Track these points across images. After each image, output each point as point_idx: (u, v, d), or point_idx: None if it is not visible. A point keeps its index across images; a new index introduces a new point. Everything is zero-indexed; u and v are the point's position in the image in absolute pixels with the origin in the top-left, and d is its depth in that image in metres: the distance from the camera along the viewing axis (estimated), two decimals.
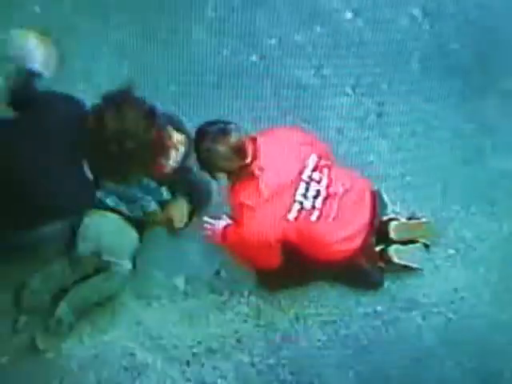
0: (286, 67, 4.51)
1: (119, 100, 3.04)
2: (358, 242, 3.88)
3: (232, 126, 3.66)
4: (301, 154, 3.81)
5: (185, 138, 3.66)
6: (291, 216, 3.73)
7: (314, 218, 3.77)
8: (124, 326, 4.05)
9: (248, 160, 3.67)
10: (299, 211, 3.75)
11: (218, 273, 4.17)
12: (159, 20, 4.42)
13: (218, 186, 4.00)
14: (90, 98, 3.18)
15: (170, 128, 3.51)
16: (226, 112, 4.29)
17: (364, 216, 3.90)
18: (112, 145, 2.99)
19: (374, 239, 4.07)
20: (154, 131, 3.04)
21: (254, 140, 3.72)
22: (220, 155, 3.62)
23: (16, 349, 3.96)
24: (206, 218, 3.97)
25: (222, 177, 3.82)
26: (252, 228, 3.72)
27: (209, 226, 3.95)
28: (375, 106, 4.50)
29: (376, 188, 4.14)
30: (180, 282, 4.15)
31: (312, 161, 3.82)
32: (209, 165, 3.70)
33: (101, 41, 4.37)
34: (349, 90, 4.52)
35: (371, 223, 3.92)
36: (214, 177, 3.80)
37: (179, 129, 3.65)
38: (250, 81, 4.44)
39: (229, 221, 3.93)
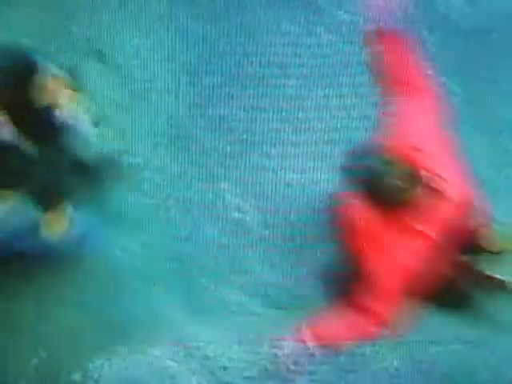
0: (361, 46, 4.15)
1: None
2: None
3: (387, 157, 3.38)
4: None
5: None
6: None
7: None
8: (163, 344, 3.63)
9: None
10: None
11: (278, 284, 3.84)
12: None
13: None
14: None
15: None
16: (293, 96, 4.11)
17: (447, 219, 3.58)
18: None
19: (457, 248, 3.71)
20: None
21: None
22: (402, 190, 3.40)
23: (35, 369, 3.61)
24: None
25: None
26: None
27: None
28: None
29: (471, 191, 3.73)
30: (232, 292, 3.81)
31: None
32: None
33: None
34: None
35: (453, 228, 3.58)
36: None
37: None
38: (316, 61, 4.17)
39: None
